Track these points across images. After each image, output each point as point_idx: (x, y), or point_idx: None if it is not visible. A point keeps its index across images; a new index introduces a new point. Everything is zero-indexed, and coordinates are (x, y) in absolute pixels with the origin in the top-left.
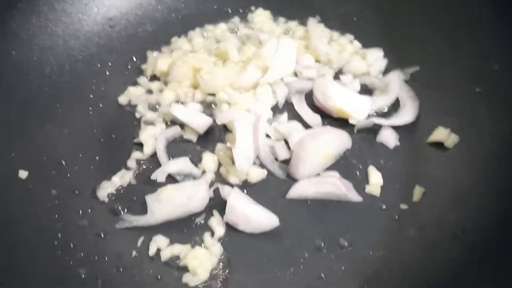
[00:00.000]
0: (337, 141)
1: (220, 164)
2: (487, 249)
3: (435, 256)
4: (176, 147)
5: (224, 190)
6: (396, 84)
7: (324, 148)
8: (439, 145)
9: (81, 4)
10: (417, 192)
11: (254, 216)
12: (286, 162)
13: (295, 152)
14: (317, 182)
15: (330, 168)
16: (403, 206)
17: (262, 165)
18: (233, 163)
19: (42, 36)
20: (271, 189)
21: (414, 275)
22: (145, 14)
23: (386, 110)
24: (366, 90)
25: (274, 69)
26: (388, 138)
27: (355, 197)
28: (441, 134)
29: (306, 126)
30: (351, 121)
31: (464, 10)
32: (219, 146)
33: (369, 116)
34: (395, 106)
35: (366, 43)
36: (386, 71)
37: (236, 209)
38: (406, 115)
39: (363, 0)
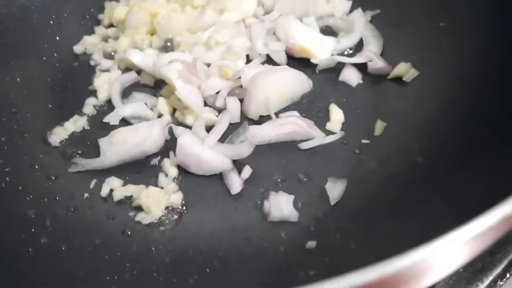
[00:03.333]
0: (293, 81)
1: (175, 109)
2: (446, 174)
3: (395, 184)
4: (132, 93)
5: (178, 130)
6: (359, 24)
7: (279, 86)
8: (401, 80)
9: None
10: (379, 126)
11: (205, 158)
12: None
13: (247, 89)
14: (278, 124)
15: (291, 108)
16: (365, 141)
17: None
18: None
19: None
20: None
21: (374, 205)
22: None
23: (350, 51)
24: (329, 31)
25: (232, 11)
26: (351, 76)
27: (317, 133)
28: (401, 68)
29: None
30: (313, 61)
31: None
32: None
33: (332, 56)
34: (359, 47)
35: None
36: (349, 12)
37: (187, 151)
38: (369, 53)
39: None
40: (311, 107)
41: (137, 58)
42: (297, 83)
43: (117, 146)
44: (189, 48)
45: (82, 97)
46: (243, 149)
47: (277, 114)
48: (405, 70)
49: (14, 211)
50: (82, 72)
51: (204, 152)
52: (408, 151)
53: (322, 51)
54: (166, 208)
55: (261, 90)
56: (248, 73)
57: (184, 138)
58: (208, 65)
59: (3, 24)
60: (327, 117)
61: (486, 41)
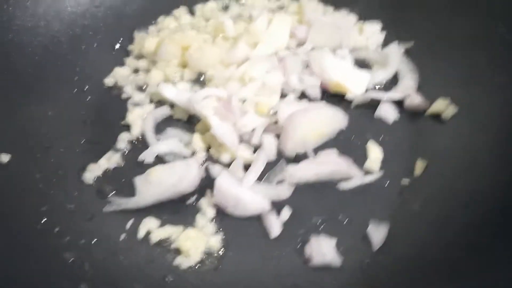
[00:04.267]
0: (330, 119)
1: (210, 146)
2: (493, 220)
3: (441, 230)
4: (165, 128)
5: (215, 169)
6: (395, 57)
7: (316, 124)
8: (439, 117)
9: None
10: (419, 165)
11: (244, 200)
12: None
13: (284, 128)
14: (316, 163)
15: (327, 145)
16: (405, 180)
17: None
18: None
19: (22, 17)
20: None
21: (419, 250)
22: None
23: (384, 84)
24: (363, 64)
25: (265, 44)
26: (387, 112)
27: (356, 173)
28: (439, 105)
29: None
30: (348, 97)
31: None
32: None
33: (367, 90)
34: (394, 80)
35: (363, 16)
36: (384, 44)
37: (225, 192)
38: (406, 88)
39: None
40: (348, 144)
41: (170, 92)
42: (333, 120)
43: (153, 186)
44: (223, 83)
45: (115, 131)
46: (283, 191)
47: (314, 152)
48: (443, 106)
49: (52, 255)
50: (114, 105)
51: (242, 193)
52: (452, 192)
53: (357, 86)
54: (205, 251)
55: (298, 129)
56: (285, 111)
57: (222, 179)
58: (243, 101)
59: (34, 56)
60: (364, 155)
61: None
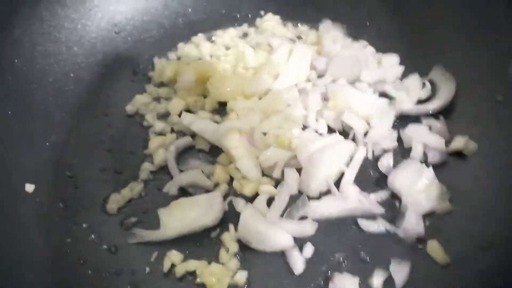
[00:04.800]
0: (348, 153)
1: (232, 178)
2: None
3: (461, 270)
4: (187, 158)
5: (239, 204)
6: (416, 89)
7: (335, 161)
8: (459, 155)
9: (85, 10)
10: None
11: (268, 235)
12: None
13: (305, 168)
14: (338, 199)
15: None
16: (427, 220)
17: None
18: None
19: (45, 43)
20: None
21: None
22: (151, 19)
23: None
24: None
25: (285, 76)
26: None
27: (377, 209)
28: (460, 142)
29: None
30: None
31: (485, 15)
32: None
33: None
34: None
35: (381, 48)
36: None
37: (249, 227)
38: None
39: (376, 4)
40: (366, 176)
41: (192, 123)
42: (351, 154)
43: (177, 219)
44: (245, 114)
45: (137, 160)
46: (307, 228)
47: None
48: (463, 144)
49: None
50: (135, 133)
51: (267, 228)
52: (472, 233)
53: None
54: (229, 286)
55: (320, 168)
56: (304, 150)
57: (247, 214)
58: (265, 133)
59: (55, 82)
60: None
61: None
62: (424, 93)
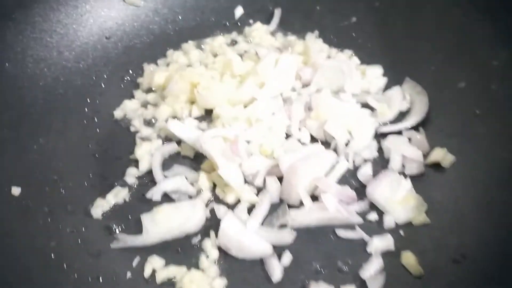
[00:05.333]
0: (330, 163)
1: (215, 185)
2: (487, 276)
3: (434, 281)
4: (172, 164)
5: (220, 211)
6: (398, 100)
7: (315, 170)
8: (438, 167)
9: (77, 15)
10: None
11: (247, 243)
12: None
13: (286, 178)
14: (318, 208)
15: None
16: (402, 231)
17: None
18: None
19: (36, 48)
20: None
21: None
22: (141, 26)
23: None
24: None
25: (271, 85)
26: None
27: (356, 219)
28: (438, 154)
29: None
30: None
31: (464, 30)
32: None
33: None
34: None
35: (365, 59)
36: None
37: (230, 235)
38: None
39: (362, 16)
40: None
41: (178, 129)
42: (332, 164)
43: (160, 225)
44: (229, 122)
45: (123, 165)
46: (286, 237)
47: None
48: (441, 156)
49: None
50: (122, 138)
51: (246, 237)
52: (446, 246)
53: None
54: None
55: (300, 178)
56: (286, 161)
57: (227, 222)
58: (248, 142)
59: (45, 86)
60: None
61: None
62: (405, 105)
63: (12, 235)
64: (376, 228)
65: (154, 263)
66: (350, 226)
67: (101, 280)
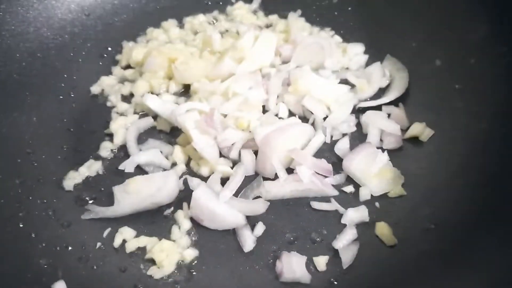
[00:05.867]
0: (305, 136)
1: (190, 158)
2: (455, 242)
3: (406, 250)
4: (147, 138)
5: (193, 182)
6: (378, 77)
7: (291, 143)
8: (416, 141)
9: None
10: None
11: (220, 213)
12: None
13: (261, 149)
14: (292, 180)
15: None
16: (377, 203)
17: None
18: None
19: (12, 22)
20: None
21: (386, 271)
22: (121, 3)
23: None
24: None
25: (250, 61)
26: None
27: (331, 191)
28: (416, 129)
29: None
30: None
31: (444, 7)
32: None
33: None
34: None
35: (347, 38)
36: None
37: (201, 205)
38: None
39: None
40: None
41: (154, 104)
42: (309, 137)
43: (132, 196)
44: (206, 96)
45: (97, 139)
46: (258, 206)
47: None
48: (420, 130)
49: (27, 260)
50: (98, 113)
51: (218, 207)
52: (419, 216)
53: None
54: (178, 262)
55: (275, 150)
56: (261, 133)
57: (199, 192)
58: (225, 115)
59: (21, 61)
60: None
61: (505, 102)
62: (384, 81)
63: None
64: (352, 200)
65: (125, 233)
66: (325, 199)
67: (69, 249)
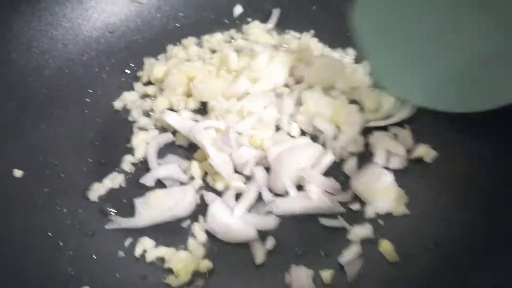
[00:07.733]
0: (313, 154)
1: (206, 173)
2: (457, 263)
3: (408, 267)
4: (166, 153)
5: (209, 197)
6: (388, 99)
7: (301, 162)
8: (420, 161)
9: (82, 10)
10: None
11: (233, 228)
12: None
13: (273, 168)
14: (302, 197)
15: None
16: (381, 221)
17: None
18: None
19: (41, 40)
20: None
21: (387, 283)
22: (144, 22)
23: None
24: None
25: (264, 80)
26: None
27: (338, 208)
28: (421, 150)
29: None
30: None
31: None
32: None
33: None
34: None
35: (358, 57)
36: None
37: (217, 219)
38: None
39: None
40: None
41: (173, 120)
42: (318, 156)
43: (152, 208)
44: (223, 114)
45: (120, 153)
46: (270, 222)
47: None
48: (424, 151)
49: (55, 268)
50: (121, 128)
51: (232, 221)
52: (423, 234)
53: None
54: (194, 272)
55: (286, 169)
56: (273, 152)
57: (215, 207)
58: (240, 133)
59: (50, 77)
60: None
61: (510, 126)
62: (393, 102)
63: (13, 213)
64: (357, 217)
65: (145, 243)
66: (333, 215)
67: (94, 258)
